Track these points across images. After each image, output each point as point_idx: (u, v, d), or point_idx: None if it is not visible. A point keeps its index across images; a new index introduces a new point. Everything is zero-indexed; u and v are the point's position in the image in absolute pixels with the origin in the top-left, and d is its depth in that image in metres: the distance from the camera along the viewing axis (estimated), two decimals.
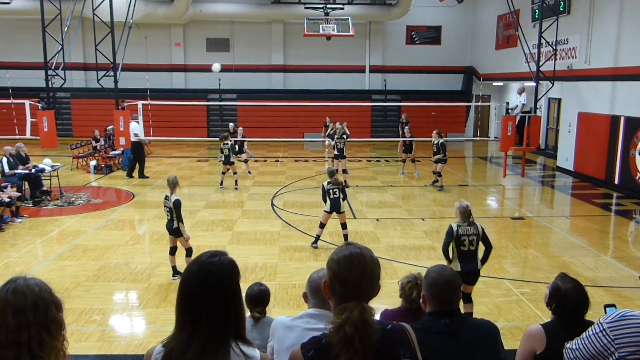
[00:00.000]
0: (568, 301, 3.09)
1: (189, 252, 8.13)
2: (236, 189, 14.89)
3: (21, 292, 1.87)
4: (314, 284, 2.96)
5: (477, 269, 6.46)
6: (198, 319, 2.02)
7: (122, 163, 17.97)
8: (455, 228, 6.40)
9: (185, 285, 2.07)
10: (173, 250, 8.26)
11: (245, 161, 17.49)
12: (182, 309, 2.06)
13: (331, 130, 16.33)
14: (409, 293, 3.98)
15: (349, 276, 2.13)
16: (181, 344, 2.03)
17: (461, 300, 7.72)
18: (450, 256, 6.44)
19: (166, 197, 8.10)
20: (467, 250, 6.38)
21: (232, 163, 14.88)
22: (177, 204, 7.96)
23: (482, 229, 6.52)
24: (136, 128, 16.38)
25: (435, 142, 14.60)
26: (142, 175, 16.42)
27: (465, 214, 6.47)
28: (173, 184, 8.05)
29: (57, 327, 1.92)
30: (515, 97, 20.59)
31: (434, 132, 14.82)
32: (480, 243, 6.46)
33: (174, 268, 8.28)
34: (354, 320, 2.04)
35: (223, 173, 15.11)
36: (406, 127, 17.38)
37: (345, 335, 2.02)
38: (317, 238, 9.79)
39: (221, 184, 15.08)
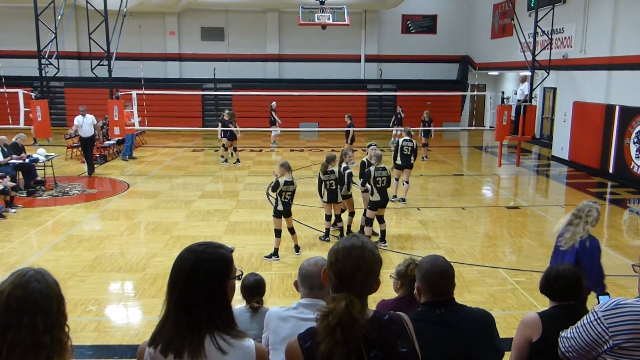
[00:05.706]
0: (548, 280, 3.26)
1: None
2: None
3: (47, 294, 1.85)
4: (302, 272, 2.98)
5: (387, 199, 9.23)
6: (172, 305, 2.09)
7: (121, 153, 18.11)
8: (373, 171, 9.01)
9: (172, 269, 2.14)
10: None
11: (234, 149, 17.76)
12: (167, 292, 2.13)
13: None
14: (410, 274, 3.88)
15: (343, 267, 2.11)
16: (160, 326, 2.12)
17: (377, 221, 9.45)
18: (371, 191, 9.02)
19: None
20: (380, 186, 9.01)
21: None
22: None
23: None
24: (79, 120, 15.22)
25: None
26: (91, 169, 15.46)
27: (378, 159, 9.10)
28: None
29: (65, 324, 1.92)
30: (511, 87, 20.60)
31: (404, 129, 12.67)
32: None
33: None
34: (339, 312, 2.03)
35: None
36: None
37: (329, 325, 2.03)
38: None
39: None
